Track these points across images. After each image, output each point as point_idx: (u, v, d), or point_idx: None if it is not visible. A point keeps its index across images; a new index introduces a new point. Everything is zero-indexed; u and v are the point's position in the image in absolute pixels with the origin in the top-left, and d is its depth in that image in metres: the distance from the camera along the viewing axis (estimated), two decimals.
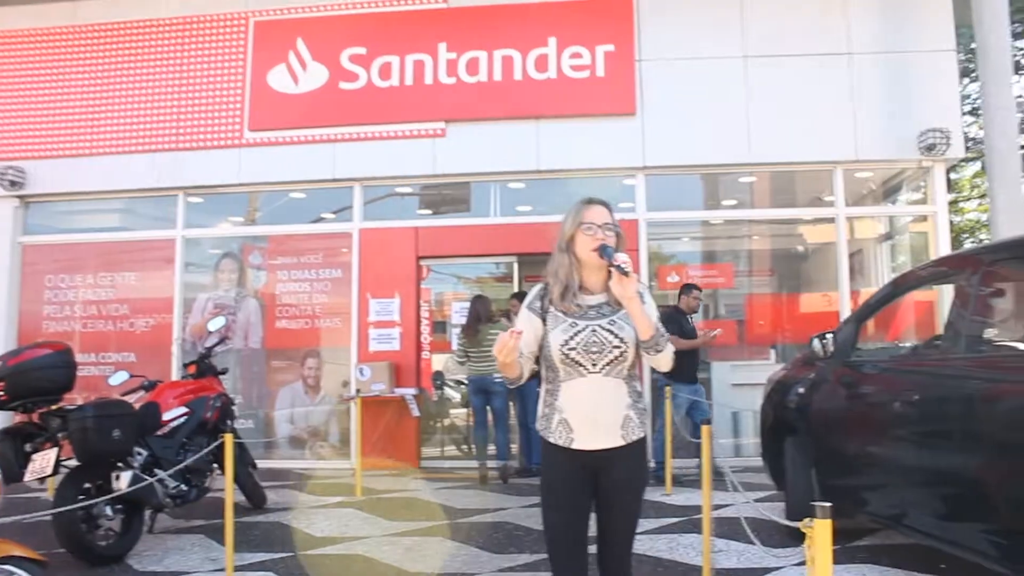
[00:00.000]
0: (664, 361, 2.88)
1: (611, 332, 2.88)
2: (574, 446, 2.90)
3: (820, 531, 2.09)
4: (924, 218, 9.37)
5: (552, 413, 2.95)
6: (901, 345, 7.23)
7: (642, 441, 2.96)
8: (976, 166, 18.98)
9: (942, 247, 9.01)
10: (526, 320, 2.98)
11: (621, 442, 2.89)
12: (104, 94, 9.99)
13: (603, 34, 9.28)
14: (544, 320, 2.97)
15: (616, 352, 2.86)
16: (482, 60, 9.38)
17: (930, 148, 8.75)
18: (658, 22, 9.32)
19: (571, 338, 2.88)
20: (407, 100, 9.45)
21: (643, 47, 9.28)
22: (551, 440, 2.95)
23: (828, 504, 2.18)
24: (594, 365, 2.87)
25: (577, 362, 2.87)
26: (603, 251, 2.84)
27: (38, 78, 10.16)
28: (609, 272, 2.80)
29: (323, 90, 9.56)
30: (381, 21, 9.60)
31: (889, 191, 9.93)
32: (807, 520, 2.16)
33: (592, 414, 2.89)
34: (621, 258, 2.74)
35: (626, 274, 2.71)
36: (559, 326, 2.92)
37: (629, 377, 2.94)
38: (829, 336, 5.16)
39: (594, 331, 2.88)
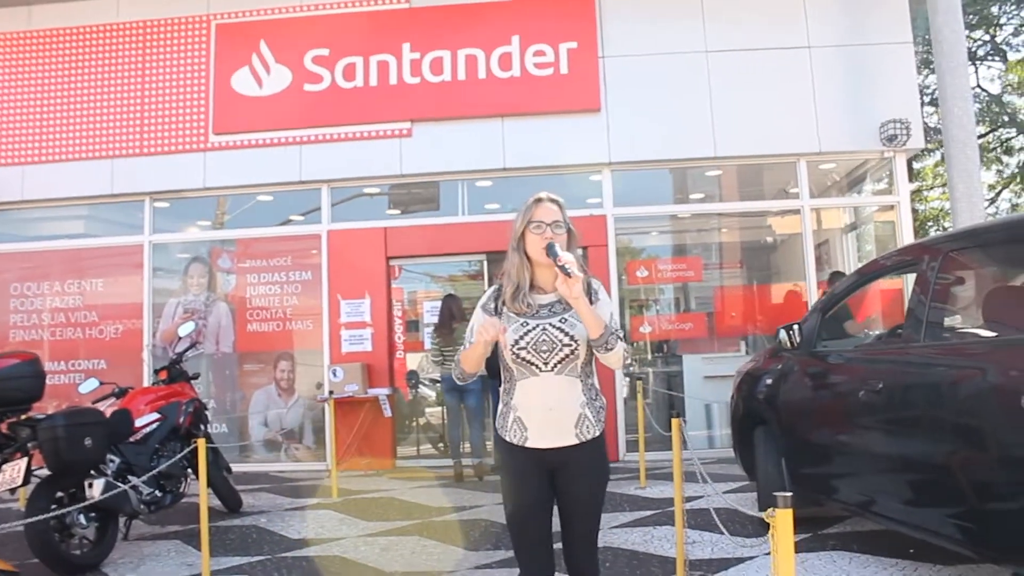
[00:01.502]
0: (615, 359, 2.86)
1: (561, 331, 2.87)
2: (528, 444, 2.92)
3: (782, 520, 2.15)
4: (890, 207, 9.51)
5: (508, 412, 2.98)
6: (867, 334, 7.35)
7: (599, 439, 2.96)
8: (939, 155, 19.30)
9: (906, 236, 9.16)
10: (479, 321, 2.95)
11: (575, 440, 2.89)
12: (64, 100, 9.88)
13: (566, 31, 9.34)
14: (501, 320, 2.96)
15: (566, 351, 2.86)
16: (446, 60, 9.40)
17: (891, 139, 8.90)
18: (620, 18, 9.40)
19: (521, 337, 2.89)
20: (372, 101, 9.45)
21: (606, 44, 9.36)
22: (506, 438, 2.98)
23: (789, 494, 2.23)
24: (546, 364, 2.87)
25: (528, 361, 2.88)
26: (549, 250, 2.83)
27: None
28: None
29: (287, 92, 9.53)
30: (344, 22, 9.58)
31: (854, 182, 10.08)
32: (770, 510, 2.21)
33: (545, 413, 2.89)
34: (565, 258, 2.75)
35: (569, 274, 2.71)
36: (511, 326, 2.92)
37: (584, 375, 2.93)
38: (796, 327, 5.24)
39: (545, 330, 2.88)
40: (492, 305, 3.01)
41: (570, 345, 2.86)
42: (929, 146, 14.56)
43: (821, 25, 9.25)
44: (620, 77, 9.32)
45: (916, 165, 19.87)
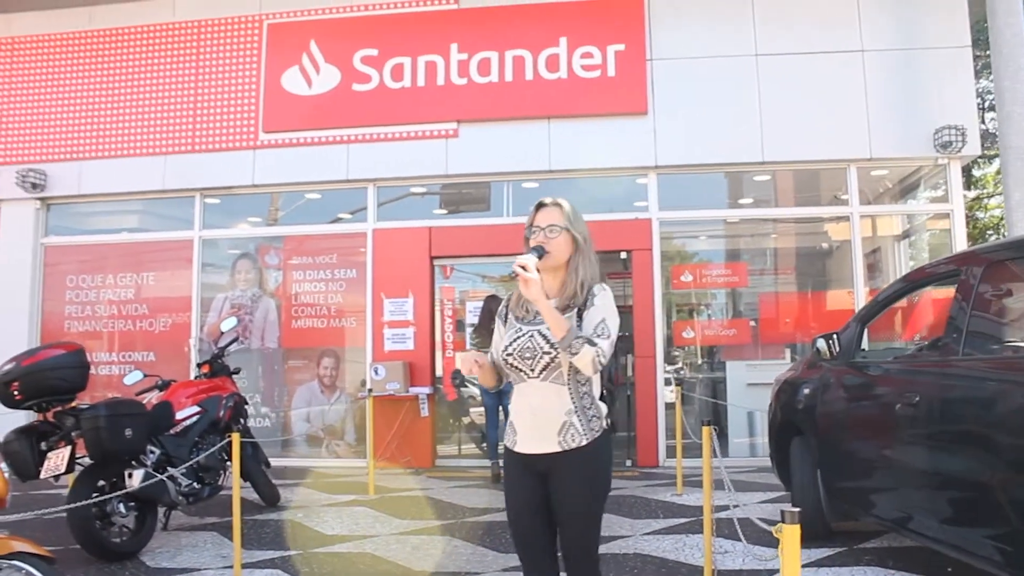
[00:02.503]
0: (582, 364, 2.74)
1: (544, 337, 2.83)
2: (517, 448, 2.94)
3: (789, 536, 2.10)
4: (945, 215, 9.27)
5: (508, 416, 3.04)
6: (907, 344, 7.18)
7: (587, 448, 2.84)
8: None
9: (959, 245, 8.93)
10: (498, 327, 3.05)
11: (557, 448, 2.83)
12: (120, 97, 10.16)
13: (614, 34, 9.29)
14: (506, 325, 3.03)
15: (547, 359, 2.83)
16: (493, 61, 9.42)
17: (945, 145, 8.68)
18: (669, 21, 9.32)
19: (511, 343, 2.90)
20: (419, 101, 9.51)
21: (654, 46, 9.28)
22: (505, 442, 3.03)
23: (797, 510, 2.18)
24: (532, 370, 2.86)
25: (517, 367, 2.89)
26: (531, 252, 2.85)
27: (56, 82, 10.34)
28: (564, 276, 2.89)
29: (336, 91, 9.64)
30: (393, 23, 9.67)
31: (907, 189, 9.85)
32: (777, 525, 2.17)
33: (530, 419, 2.89)
34: (520, 260, 2.74)
35: (515, 276, 2.72)
36: (508, 332, 2.97)
37: (575, 382, 2.87)
38: (834, 337, 5.14)
39: (531, 336, 2.87)
40: (504, 310, 3.06)
41: (550, 353, 2.82)
42: (988, 152, 14.13)
43: (875, 28, 9.06)
44: (668, 80, 9.25)
45: (976, 172, 19.32)
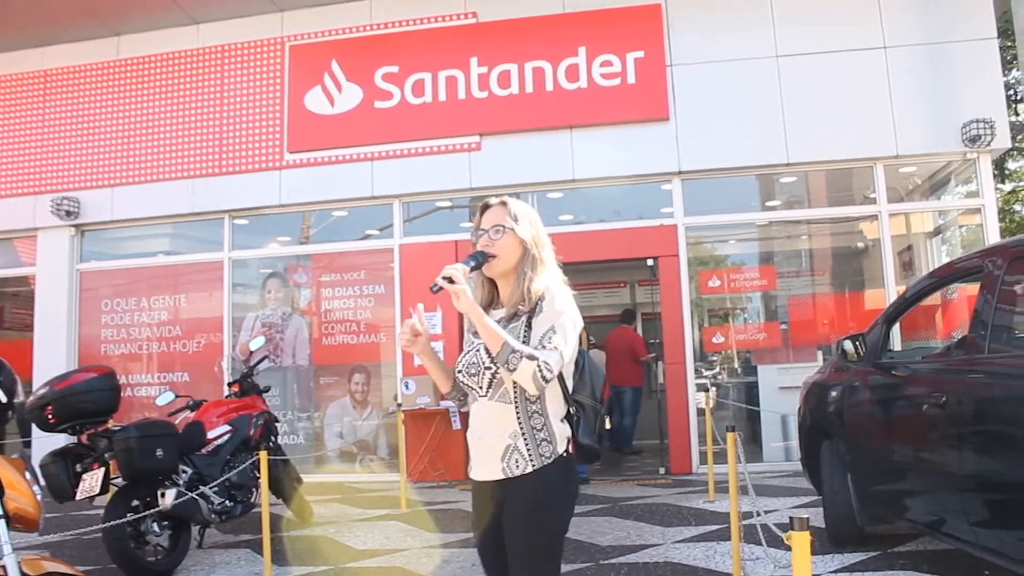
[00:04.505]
0: (522, 380, 2.40)
1: (487, 352, 2.49)
2: (471, 475, 2.67)
3: (798, 543, 2.07)
4: (976, 210, 9.12)
5: None
6: (939, 343, 7.06)
7: (530, 477, 2.48)
8: None
9: (992, 239, 8.77)
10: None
11: (501, 475, 2.51)
12: (149, 123, 10.34)
13: (633, 41, 9.27)
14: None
15: (488, 374, 2.52)
16: (513, 73, 9.45)
17: (974, 140, 8.55)
18: (688, 26, 9.29)
19: (461, 359, 2.64)
20: (441, 116, 9.57)
21: (674, 52, 9.25)
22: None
23: (807, 516, 2.15)
24: (480, 388, 2.57)
25: (468, 385, 2.62)
26: (466, 260, 2.56)
27: (87, 112, 10.56)
28: (518, 284, 2.58)
29: (358, 109, 9.73)
30: (412, 39, 9.74)
31: (937, 185, 9.71)
32: (788, 532, 2.14)
33: (477, 441, 2.62)
34: (446, 270, 2.41)
35: (437, 290, 2.42)
36: (465, 346, 2.69)
37: (523, 400, 2.52)
38: (861, 338, 5.07)
39: (477, 351, 2.55)
40: (468, 323, 2.71)
41: (491, 368, 2.50)
42: (1021, 145, 13.86)
43: (897, 24, 8.95)
44: (688, 85, 9.21)
45: (1012, 165, 18.97)
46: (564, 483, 2.54)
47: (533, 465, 2.48)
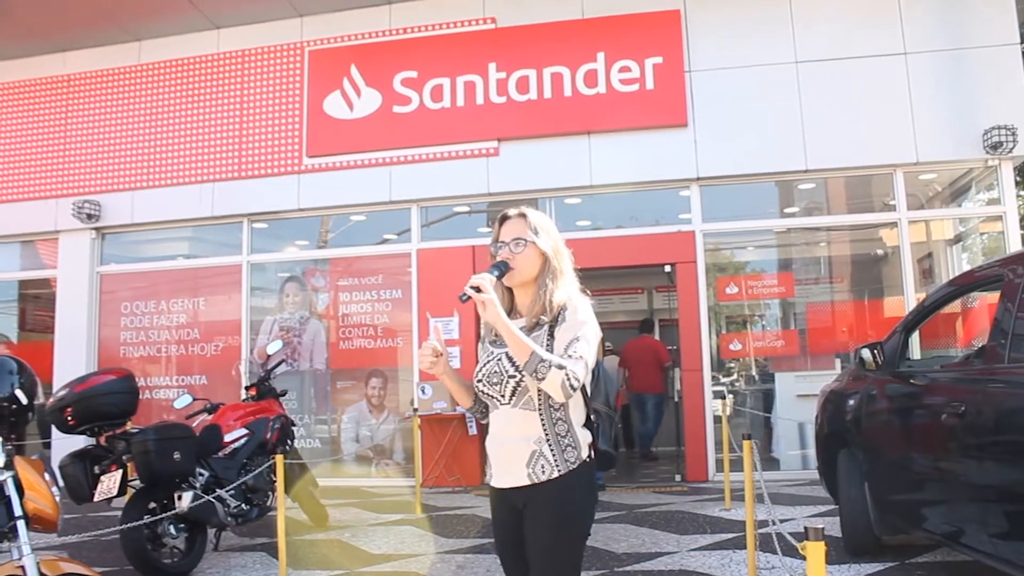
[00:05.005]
0: (551, 389, 2.44)
1: (510, 360, 2.56)
2: (492, 483, 2.69)
3: (813, 553, 2.06)
4: (997, 218, 9.04)
5: None
6: (960, 352, 6.99)
7: (558, 482, 2.53)
8: None
9: (1013, 247, 8.69)
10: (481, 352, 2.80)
11: (527, 481, 2.55)
12: (169, 128, 10.44)
13: (651, 47, 9.26)
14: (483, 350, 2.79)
15: (512, 382, 2.56)
16: (532, 78, 9.45)
17: (995, 146, 8.48)
18: (707, 32, 9.27)
19: (481, 368, 2.68)
20: (460, 121, 9.59)
21: (692, 58, 9.23)
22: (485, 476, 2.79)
23: (821, 526, 2.14)
24: (502, 396, 2.60)
25: (488, 394, 2.66)
26: (491, 270, 2.59)
27: (109, 116, 10.66)
28: (539, 295, 2.62)
29: (377, 114, 9.77)
30: (431, 44, 9.77)
31: (958, 192, 9.62)
32: (802, 543, 2.13)
33: (498, 449, 2.65)
34: (474, 279, 2.46)
35: (466, 299, 2.45)
36: (482, 356, 2.73)
37: (547, 408, 2.57)
38: (879, 346, 5.03)
39: (499, 360, 2.61)
40: (485, 333, 2.82)
41: (515, 376, 2.55)
42: None
43: (918, 30, 8.89)
44: (707, 91, 9.18)
45: None
46: (587, 488, 2.60)
47: (559, 470, 2.53)
